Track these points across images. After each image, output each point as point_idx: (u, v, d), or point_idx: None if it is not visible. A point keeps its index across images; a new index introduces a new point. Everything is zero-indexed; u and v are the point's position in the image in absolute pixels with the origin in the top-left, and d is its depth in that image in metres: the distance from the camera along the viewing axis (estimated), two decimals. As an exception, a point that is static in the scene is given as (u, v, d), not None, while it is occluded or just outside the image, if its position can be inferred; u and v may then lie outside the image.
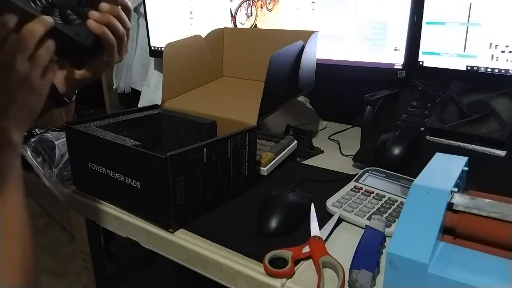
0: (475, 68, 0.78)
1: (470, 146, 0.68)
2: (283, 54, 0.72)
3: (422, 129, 0.74)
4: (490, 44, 0.75)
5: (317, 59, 0.95)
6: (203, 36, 0.92)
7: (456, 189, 0.44)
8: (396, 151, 0.69)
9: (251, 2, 1.03)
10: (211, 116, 0.75)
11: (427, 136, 0.72)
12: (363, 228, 0.54)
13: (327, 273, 0.47)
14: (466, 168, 0.50)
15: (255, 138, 0.66)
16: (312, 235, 0.53)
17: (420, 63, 0.84)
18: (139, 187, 0.57)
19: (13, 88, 0.45)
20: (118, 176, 0.60)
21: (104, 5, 0.52)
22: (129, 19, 0.56)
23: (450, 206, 0.43)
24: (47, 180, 0.70)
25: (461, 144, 0.69)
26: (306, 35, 0.80)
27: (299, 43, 0.77)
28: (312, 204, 0.59)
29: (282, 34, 0.93)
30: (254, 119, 0.69)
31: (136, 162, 0.57)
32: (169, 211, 0.55)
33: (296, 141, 0.79)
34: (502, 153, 0.65)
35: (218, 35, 0.96)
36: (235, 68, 0.98)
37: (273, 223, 0.55)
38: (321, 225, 0.55)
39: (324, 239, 0.52)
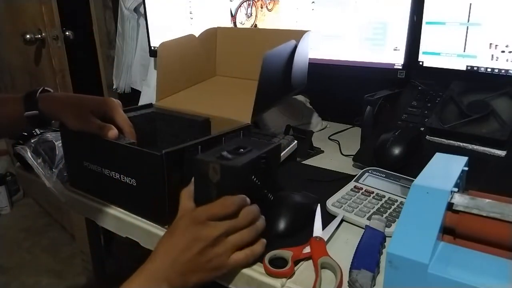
0: (475, 68, 0.78)
1: (470, 146, 0.68)
2: (276, 53, 0.72)
3: (422, 129, 0.74)
4: (490, 44, 0.75)
5: (318, 59, 0.95)
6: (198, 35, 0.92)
7: (456, 189, 0.44)
8: (396, 151, 0.69)
9: (251, 2, 1.03)
10: (206, 114, 0.75)
11: (427, 136, 0.72)
12: (363, 228, 0.54)
13: (326, 274, 0.47)
14: (466, 168, 0.50)
15: (249, 136, 0.66)
16: (314, 235, 0.53)
17: (420, 63, 0.84)
18: (134, 184, 0.57)
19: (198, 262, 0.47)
20: (113, 174, 0.60)
21: None
22: None
23: (450, 206, 0.43)
24: (47, 180, 0.70)
25: (461, 144, 0.69)
26: (298, 35, 0.80)
27: (291, 42, 0.77)
28: (318, 205, 0.59)
29: (274, 33, 0.93)
30: (248, 117, 0.69)
31: (131, 160, 0.57)
32: (165, 208, 0.55)
33: (296, 141, 0.79)
34: (502, 153, 0.65)
35: (211, 34, 0.97)
36: (228, 67, 0.98)
37: (281, 225, 0.54)
38: (322, 226, 0.55)
39: (325, 240, 0.52)
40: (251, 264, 0.49)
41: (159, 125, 0.78)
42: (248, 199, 0.50)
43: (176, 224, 0.49)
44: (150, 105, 0.80)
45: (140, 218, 0.61)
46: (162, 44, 0.82)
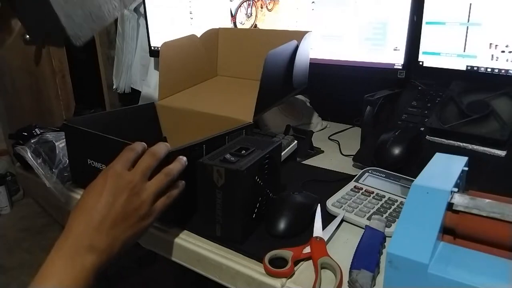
0: (475, 68, 0.78)
1: (470, 146, 0.68)
2: (278, 53, 0.73)
3: (422, 129, 0.74)
4: (490, 44, 0.75)
5: (318, 59, 0.95)
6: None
7: (456, 189, 0.44)
8: (396, 151, 0.69)
9: (251, 2, 1.03)
10: (207, 113, 0.76)
11: (427, 136, 0.72)
12: (363, 228, 0.54)
13: (326, 274, 0.47)
14: (466, 168, 0.50)
15: (251, 135, 0.67)
16: (314, 235, 0.53)
17: (420, 63, 0.84)
18: None
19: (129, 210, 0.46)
20: None
21: None
22: None
23: (450, 206, 0.43)
24: (47, 180, 0.70)
25: (461, 144, 0.69)
26: (299, 35, 0.80)
27: (293, 42, 0.77)
28: (319, 205, 0.59)
29: (276, 34, 0.93)
30: (249, 116, 0.69)
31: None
32: (169, 207, 0.55)
33: (296, 141, 0.79)
34: (502, 153, 0.65)
35: (213, 35, 0.97)
36: (230, 67, 0.99)
37: (282, 225, 0.54)
38: (322, 226, 0.55)
39: (325, 240, 0.52)
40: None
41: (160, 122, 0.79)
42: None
43: (92, 184, 0.47)
44: (152, 104, 0.81)
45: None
46: (164, 44, 0.82)
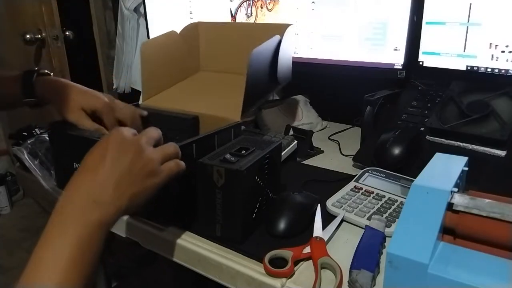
0: (475, 68, 0.78)
1: (470, 146, 0.68)
2: (262, 50, 0.72)
3: (422, 129, 0.74)
4: (490, 44, 0.75)
5: (318, 59, 0.95)
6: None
7: (456, 189, 0.44)
8: (396, 151, 0.69)
9: (251, 2, 1.03)
10: (194, 112, 0.75)
11: (427, 136, 0.72)
12: (363, 228, 0.54)
13: (326, 274, 0.47)
14: (466, 168, 0.50)
15: (239, 134, 0.67)
16: (314, 235, 0.53)
17: (420, 63, 0.84)
18: None
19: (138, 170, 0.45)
20: None
21: None
22: None
23: (450, 206, 0.43)
24: (45, 182, 0.70)
25: (461, 144, 0.69)
26: (281, 29, 0.79)
27: (276, 38, 0.76)
28: (319, 205, 0.59)
29: (256, 27, 0.93)
30: (236, 114, 0.69)
31: None
32: (161, 208, 0.55)
33: (296, 141, 0.79)
34: (502, 153, 0.65)
35: (192, 29, 0.96)
36: (212, 62, 0.98)
37: (282, 225, 0.54)
38: (322, 226, 0.55)
39: (325, 240, 0.52)
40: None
41: (146, 125, 0.78)
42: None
43: (92, 149, 0.45)
44: (136, 106, 0.80)
45: (139, 218, 0.61)
46: (145, 43, 0.82)
